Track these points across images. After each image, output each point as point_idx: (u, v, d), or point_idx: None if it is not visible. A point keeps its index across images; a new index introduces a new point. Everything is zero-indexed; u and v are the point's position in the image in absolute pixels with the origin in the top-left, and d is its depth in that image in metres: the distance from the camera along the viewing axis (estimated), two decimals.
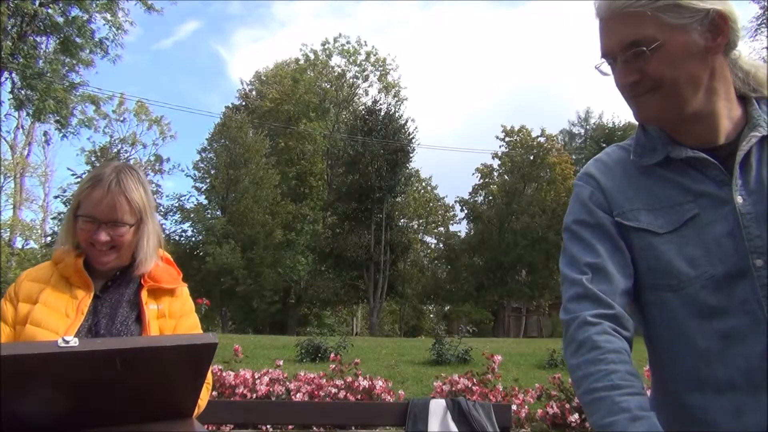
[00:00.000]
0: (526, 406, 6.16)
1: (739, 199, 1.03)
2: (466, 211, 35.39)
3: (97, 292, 1.60)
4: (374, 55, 34.77)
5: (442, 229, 37.78)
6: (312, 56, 35.92)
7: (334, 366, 6.81)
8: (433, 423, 2.93)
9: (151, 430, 1.26)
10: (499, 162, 34.80)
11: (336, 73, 35.12)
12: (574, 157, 34.89)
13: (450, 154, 72.01)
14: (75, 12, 13.30)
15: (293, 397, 6.14)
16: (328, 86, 35.06)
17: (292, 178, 33.46)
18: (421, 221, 36.75)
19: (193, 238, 30.87)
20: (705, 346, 1.03)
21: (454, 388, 6.13)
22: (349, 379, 6.39)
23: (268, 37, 63.68)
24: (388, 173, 29.55)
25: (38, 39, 13.43)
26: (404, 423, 2.91)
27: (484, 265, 32.53)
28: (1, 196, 25.63)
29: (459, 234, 36.39)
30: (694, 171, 1.07)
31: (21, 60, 12.49)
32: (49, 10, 12.87)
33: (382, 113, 30.98)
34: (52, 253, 1.69)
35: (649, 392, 1.10)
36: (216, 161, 30.23)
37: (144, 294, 1.63)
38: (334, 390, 6.23)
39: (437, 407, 2.99)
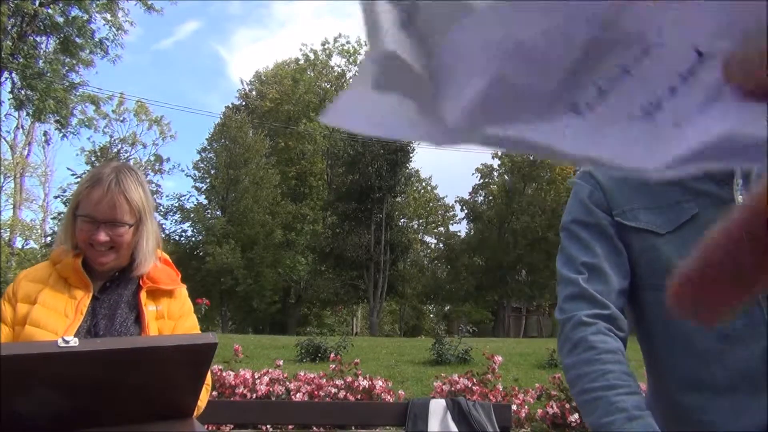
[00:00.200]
0: (526, 406, 6.16)
1: (740, 199, 1.03)
2: (466, 211, 35.42)
3: (95, 293, 1.59)
4: None
5: (442, 229, 37.76)
6: (312, 56, 35.98)
7: (334, 366, 6.82)
8: (433, 423, 2.93)
9: (151, 430, 1.26)
10: (499, 162, 34.82)
11: (336, 73, 35.18)
12: None
13: (450, 154, 71.99)
14: (75, 12, 13.33)
15: (293, 397, 6.14)
16: (328, 86, 35.09)
17: (292, 178, 33.47)
18: (421, 221, 36.74)
19: (193, 238, 30.86)
20: (704, 347, 1.03)
21: (454, 388, 6.14)
22: (349, 379, 6.40)
23: (268, 37, 63.81)
24: (388, 173, 29.52)
25: (38, 39, 13.45)
26: (404, 423, 2.91)
27: (484, 265, 32.52)
28: (1, 196, 25.59)
29: (459, 234, 36.41)
30: None
31: (21, 60, 12.51)
32: (49, 10, 12.88)
33: None
34: (50, 252, 1.68)
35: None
36: (216, 161, 30.22)
37: (143, 295, 1.62)
38: (334, 390, 6.24)
39: (437, 407, 2.99)
